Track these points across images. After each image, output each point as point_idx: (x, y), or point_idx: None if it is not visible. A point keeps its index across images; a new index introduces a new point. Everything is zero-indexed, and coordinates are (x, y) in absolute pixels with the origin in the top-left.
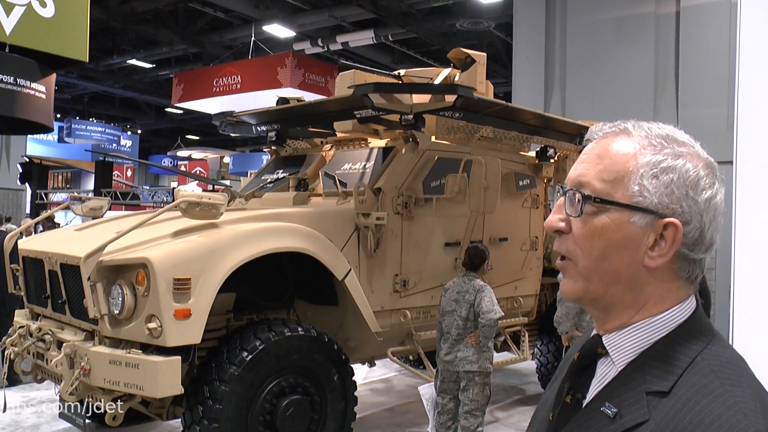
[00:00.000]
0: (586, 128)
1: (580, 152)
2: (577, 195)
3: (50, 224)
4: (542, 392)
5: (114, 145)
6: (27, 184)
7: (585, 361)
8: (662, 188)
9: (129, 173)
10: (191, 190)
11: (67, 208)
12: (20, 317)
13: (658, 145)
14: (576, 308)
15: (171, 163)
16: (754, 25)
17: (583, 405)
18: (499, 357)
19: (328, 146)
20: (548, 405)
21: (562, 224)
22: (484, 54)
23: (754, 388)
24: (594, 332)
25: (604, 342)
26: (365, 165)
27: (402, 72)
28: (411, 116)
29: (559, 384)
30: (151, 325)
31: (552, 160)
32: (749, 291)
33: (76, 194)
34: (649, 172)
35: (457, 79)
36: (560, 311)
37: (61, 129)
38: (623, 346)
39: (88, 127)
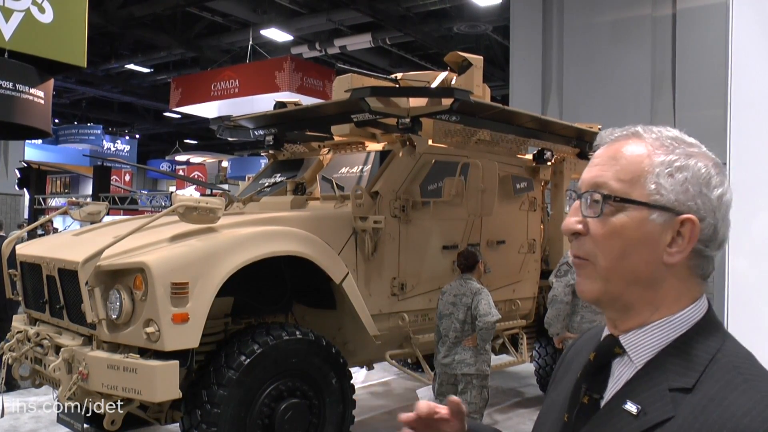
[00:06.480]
0: (584, 131)
1: (577, 155)
2: (595, 195)
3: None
4: (541, 394)
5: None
6: (25, 189)
7: (601, 361)
8: (678, 186)
9: (127, 178)
10: (189, 194)
11: (65, 213)
12: (18, 322)
13: (669, 145)
14: (567, 309)
15: (169, 167)
16: (746, 28)
17: (602, 405)
18: (497, 359)
19: (325, 150)
20: (559, 406)
21: (580, 226)
22: (481, 57)
23: None
24: (606, 333)
25: (621, 342)
26: (363, 169)
27: (399, 76)
28: (408, 120)
29: (568, 385)
30: (149, 329)
31: (549, 163)
32: (744, 293)
33: (74, 199)
34: (664, 170)
35: (453, 82)
36: (551, 313)
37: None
38: (642, 345)
39: (66, 131)
